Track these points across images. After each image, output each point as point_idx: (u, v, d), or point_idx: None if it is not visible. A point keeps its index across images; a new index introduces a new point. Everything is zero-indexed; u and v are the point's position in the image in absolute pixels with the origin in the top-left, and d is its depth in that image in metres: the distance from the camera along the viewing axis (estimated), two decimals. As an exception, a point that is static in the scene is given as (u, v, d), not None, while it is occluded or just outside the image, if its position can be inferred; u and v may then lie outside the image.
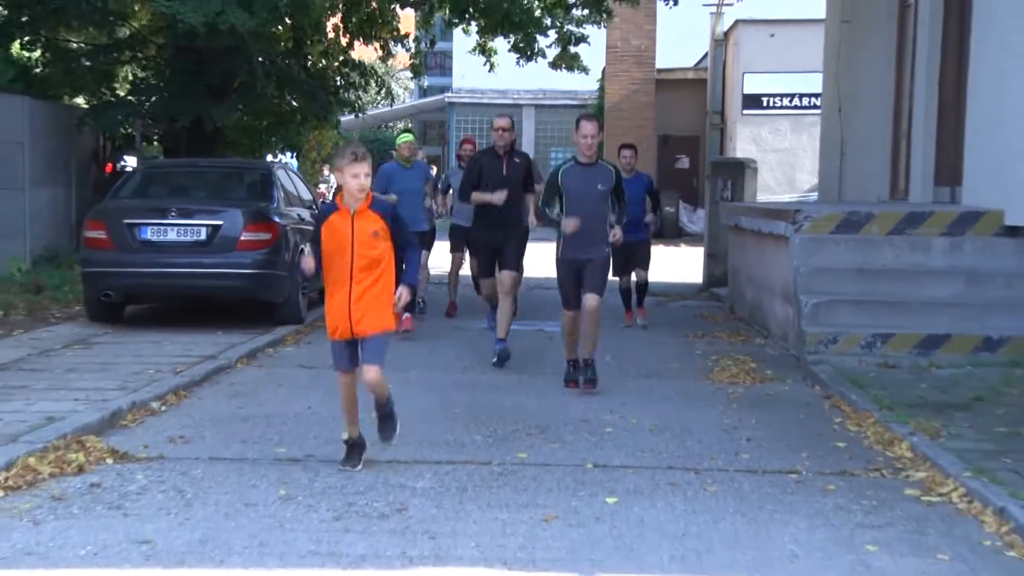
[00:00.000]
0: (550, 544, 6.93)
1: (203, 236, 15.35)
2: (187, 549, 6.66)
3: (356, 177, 7.77)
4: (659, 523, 7.46)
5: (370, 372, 8.16)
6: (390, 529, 7.21)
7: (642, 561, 6.67)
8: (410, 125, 53.37)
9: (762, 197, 24.12)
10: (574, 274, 11.68)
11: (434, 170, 31.06)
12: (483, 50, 24.41)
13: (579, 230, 11.26)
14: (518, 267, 13.57)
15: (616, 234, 11.43)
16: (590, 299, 11.43)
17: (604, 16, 24.38)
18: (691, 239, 33.24)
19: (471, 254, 16.64)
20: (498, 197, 13.12)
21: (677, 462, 9.12)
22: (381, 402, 8.59)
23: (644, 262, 17.41)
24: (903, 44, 19.13)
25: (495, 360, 13.69)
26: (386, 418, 8.63)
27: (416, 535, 7.07)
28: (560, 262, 11.79)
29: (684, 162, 37.78)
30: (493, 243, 13.92)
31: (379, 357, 8.25)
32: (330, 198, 24.30)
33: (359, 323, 8.07)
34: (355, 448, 8.63)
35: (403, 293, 8.30)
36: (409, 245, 8.49)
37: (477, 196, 13.94)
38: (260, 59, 22.50)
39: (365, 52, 27.72)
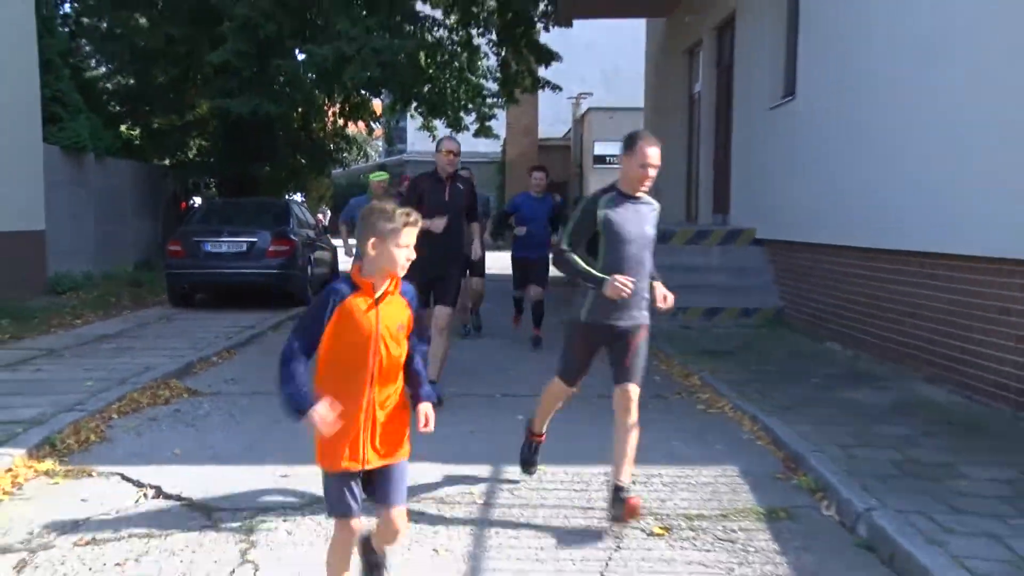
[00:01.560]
0: (477, 449, 7.25)
1: (244, 248, 16.01)
2: (238, 452, 7.14)
3: (405, 248, 4.01)
4: (551, 431, 7.21)
5: (401, 517, 4.24)
6: None
7: (541, 456, 6.72)
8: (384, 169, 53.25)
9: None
10: (598, 345, 6.09)
11: None
12: (427, 127, 25.21)
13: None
14: (454, 303, 9.24)
15: (668, 299, 6.06)
16: (631, 389, 5.91)
17: (510, 102, 25.31)
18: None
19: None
20: (437, 224, 8.73)
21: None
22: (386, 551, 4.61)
23: (542, 279, 12.81)
24: (692, 123, 19.64)
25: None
26: (377, 568, 4.58)
27: None
28: (582, 327, 5.99)
29: (558, 197, 38.63)
30: (429, 275, 8.63)
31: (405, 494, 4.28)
32: (325, 223, 25.14)
33: (385, 448, 4.12)
34: None
35: (427, 415, 4.26)
36: (420, 340, 4.37)
37: None
38: (281, 133, 24.07)
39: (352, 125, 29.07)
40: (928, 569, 4.71)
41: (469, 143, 28.48)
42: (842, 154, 11.49)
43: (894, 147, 10.08)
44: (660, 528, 5.56)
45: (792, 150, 13.29)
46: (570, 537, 5.48)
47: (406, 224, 3.93)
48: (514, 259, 12.97)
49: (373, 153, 57.19)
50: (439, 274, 8.89)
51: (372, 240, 3.89)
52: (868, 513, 5.48)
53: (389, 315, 3.97)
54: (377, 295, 3.94)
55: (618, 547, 5.30)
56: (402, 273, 3.99)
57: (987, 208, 8.32)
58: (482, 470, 6.76)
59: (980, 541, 5.13)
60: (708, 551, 5.24)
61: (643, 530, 5.54)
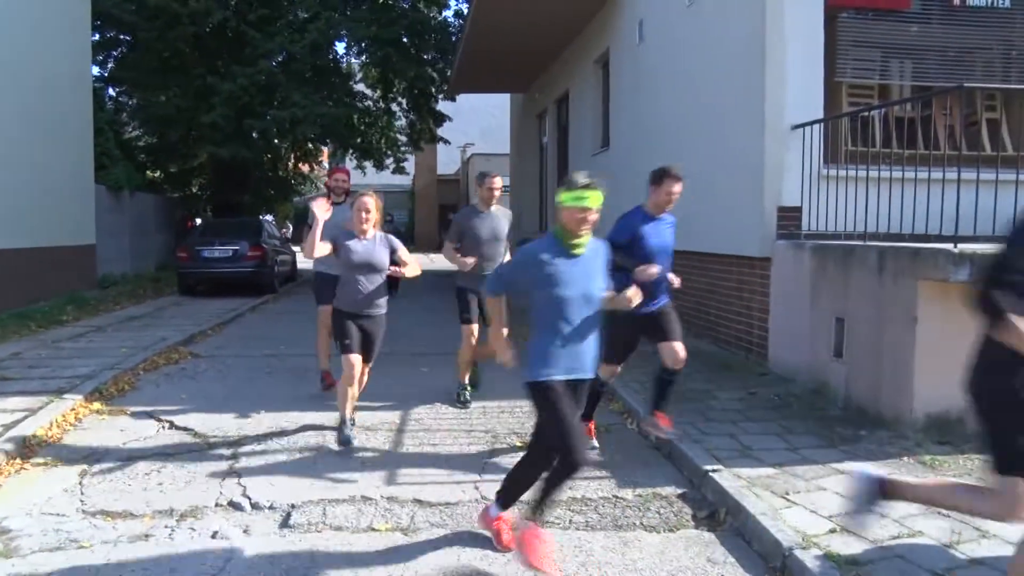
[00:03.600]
0: (393, 391, 7.10)
1: (230, 254, 15.63)
2: (226, 396, 7.05)
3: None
4: (440, 378, 7.73)
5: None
6: (317, 386, 7.31)
7: (435, 396, 6.92)
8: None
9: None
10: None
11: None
12: (360, 167, 25.17)
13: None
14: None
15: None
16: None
17: (417, 149, 25.79)
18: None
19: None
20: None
21: (449, 350, 8.76)
22: None
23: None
24: (542, 164, 19.65)
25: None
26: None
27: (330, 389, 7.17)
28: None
29: (451, 215, 38.81)
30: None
31: None
32: (288, 235, 25.89)
33: None
34: None
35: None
36: None
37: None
38: (257, 173, 23.91)
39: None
40: (690, 457, 4.94)
41: (388, 178, 28.51)
42: (638, 186, 11.67)
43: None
44: (520, 442, 5.62)
45: (610, 183, 13.47)
46: (458, 449, 5.53)
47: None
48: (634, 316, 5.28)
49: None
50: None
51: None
52: (654, 426, 5.63)
53: None
54: None
55: (492, 456, 5.37)
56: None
57: (721, 222, 8.54)
58: (397, 404, 6.75)
59: (723, 439, 5.39)
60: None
61: (509, 444, 5.61)
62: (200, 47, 20.52)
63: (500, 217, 6.72)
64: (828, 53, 7.58)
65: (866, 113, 7.56)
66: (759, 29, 7.58)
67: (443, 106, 24.01)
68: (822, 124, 7.26)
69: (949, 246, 5.14)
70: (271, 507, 4.43)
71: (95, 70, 20.45)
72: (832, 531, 3.85)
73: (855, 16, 7.83)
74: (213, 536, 4.05)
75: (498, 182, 6.80)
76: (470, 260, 6.29)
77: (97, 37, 20.25)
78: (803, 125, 7.21)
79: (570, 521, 4.23)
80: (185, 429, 6.00)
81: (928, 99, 7.61)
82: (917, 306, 5.38)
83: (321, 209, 5.36)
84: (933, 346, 5.35)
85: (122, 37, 21.15)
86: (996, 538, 3.79)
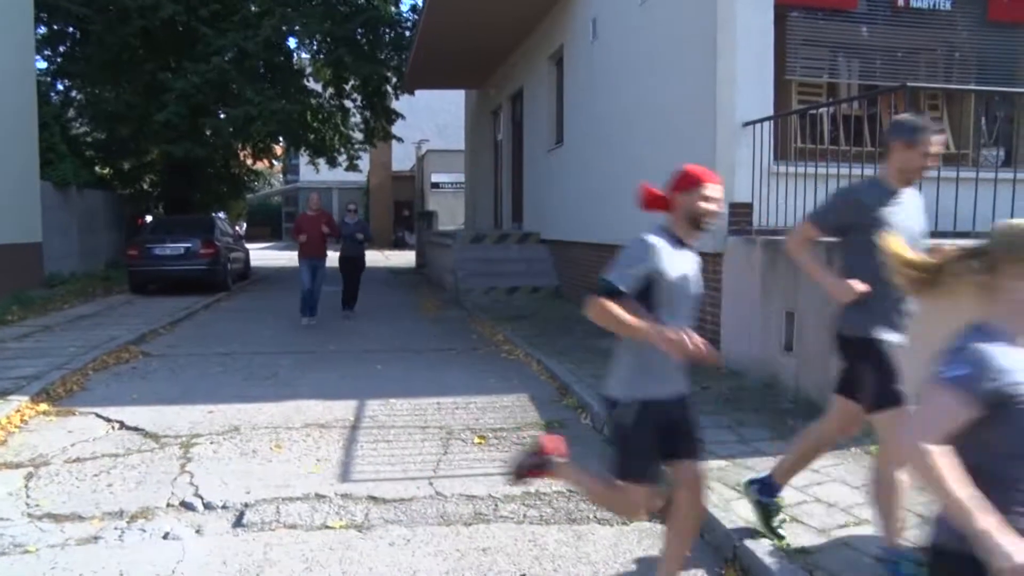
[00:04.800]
0: (346, 388, 7.17)
1: (182, 251, 15.34)
2: (177, 396, 6.92)
3: None
4: (394, 375, 7.77)
5: None
6: (270, 384, 7.41)
7: (389, 392, 6.92)
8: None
9: (441, 227, 24.82)
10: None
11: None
12: (312, 162, 24.94)
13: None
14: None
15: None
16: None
17: (372, 146, 25.31)
18: (409, 247, 33.76)
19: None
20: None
21: (402, 347, 9.29)
22: None
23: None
24: (496, 160, 19.69)
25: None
26: None
27: (283, 386, 7.28)
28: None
29: (406, 213, 38.52)
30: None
31: None
32: (242, 233, 25.31)
33: None
34: None
35: None
36: None
37: None
38: (210, 170, 23.52)
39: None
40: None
41: (342, 175, 28.28)
42: (592, 182, 11.80)
43: (623, 179, 10.38)
44: (478, 438, 5.63)
45: (562, 179, 13.55)
46: (413, 445, 5.50)
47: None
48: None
49: (276, 183, 55.46)
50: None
51: None
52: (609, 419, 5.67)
53: None
54: None
55: (446, 452, 5.35)
56: None
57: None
58: (350, 401, 6.72)
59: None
60: (507, 451, 5.33)
61: (464, 440, 5.60)
62: (150, 42, 20.07)
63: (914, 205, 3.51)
64: (778, 52, 7.69)
65: (815, 111, 7.69)
66: (710, 27, 7.66)
67: (398, 103, 23.82)
68: (772, 121, 7.37)
69: (894, 241, 5.23)
70: (224, 506, 4.37)
71: (42, 64, 20.04)
72: (782, 521, 3.91)
73: (804, 16, 7.95)
74: (164, 537, 3.99)
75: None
76: (860, 285, 3.27)
77: (44, 30, 19.78)
78: (754, 122, 7.30)
79: (524, 515, 4.24)
80: (136, 429, 5.88)
81: (874, 97, 7.76)
82: (864, 300, 5.47)
83: None
84: (879, 339, 5.45)
85: (70, 30, 20.62)
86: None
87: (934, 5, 8.12)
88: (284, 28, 20.03)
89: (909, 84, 5.73)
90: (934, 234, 5.59)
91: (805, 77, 8.06)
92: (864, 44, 8.13)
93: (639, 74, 9.75)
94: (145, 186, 25.07)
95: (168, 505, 4.39)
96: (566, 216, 13.30)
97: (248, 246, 20.24)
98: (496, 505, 4.38)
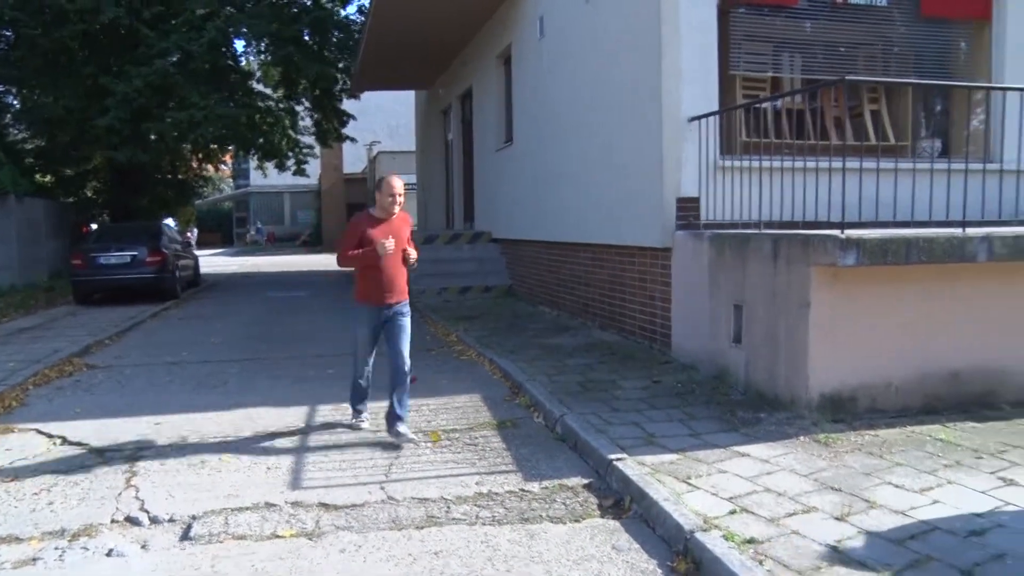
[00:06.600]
0: (297, 395, 7.09)
1: (128, 260, 14.99)
2: (123, 408, 6.76)
3: None
4: (347, 379, 7.69)
5: None
6: (221, 392, 7.29)
7: (341, 397, 6.57)
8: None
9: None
10: None
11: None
12: (261, 167, 24.62)
13: None
14: None
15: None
16: None
17: (323, 147, 25.22)
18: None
19: None
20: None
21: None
22: None
23: None
24: (447, 160, 19.60)
25: None
26: None
27: (233, 394, 7.17)
28: None
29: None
30: None
31: None
32: (193, 240, 25.27)
33: None
34: None
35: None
36: None
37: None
38: (156, 175, 23.27)
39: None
40: (595, 447, 4.99)
41: (293, 178, 28.00)
42: (542, 180, 11.80)
43: (573, 176, 10.41)
44: (431, 440, 5.60)
45: (513, 178, 13.53)
46: (364, 450, 5.46)
47: None
48: None
49: (226, 188, 54.66)
50: None
51: None
52: (562, 418, 5.69)
53: None
54: None
55: (399, 456, 5.32)
56: None
57: (623, 213, 8.66)
58: (301, 407, 6.65)
59: (628, 427, 5.46)
60: (459, 452, 5.33)
61: (417, 442, 5.56)
62: (91, 45, 19.63)
63: None
64: (722, 48, 7.78)
65: (759, 105, 7.79)
66: (655, 24, 7.72)
67: (348, 104, 23.60)
68: (718, 116, 7.45)
69: (837, 232, 5.33)
70: (171, 520, 4.28)
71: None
72: (732, 512, 3.95)
73: (747, 12, 8.04)
74: (108, 554, 3.89)
75: None
76: None
77: (-26, 33, 19.31)
78: (699, 117, 7.38)
79: (477, 516, 4.22)
80: (79, 444, 5.73)
81: (815, 91, 7.88)
82: (809, 291, 5.56)
83: None
84: (825, 329, 5.55)
85: (5, 33, 20.09)
86: (883, 508, 3.96)
87: (870, 1, 8.27)
88: (230, 30, 19.72)
89: (847, 78, 5.82)
90: (873, 224, 5.71)
91: (749, 72, 8.15)
92: (806, 39, 8.26)
93: (587, 72, 9.79)
94: (89, 193, 24.59)
95: (113, 521, 4.28)
96: (517, 215, 13.30)
97: (199, 252, 19.85)
98: (448, 507, 4.35)
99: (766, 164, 6.71)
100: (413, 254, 5.81)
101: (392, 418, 5.60)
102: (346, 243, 5.63)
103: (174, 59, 18.97)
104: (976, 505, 3.99)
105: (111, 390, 7.60)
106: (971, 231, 5.60)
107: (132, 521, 4.27)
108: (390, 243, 5.47)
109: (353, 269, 5.71)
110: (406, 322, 5.75)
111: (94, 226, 22.40)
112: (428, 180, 22.43)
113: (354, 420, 6.06)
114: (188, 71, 19.08)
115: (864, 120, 8.34)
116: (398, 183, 5.62)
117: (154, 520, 4.28)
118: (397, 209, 5.66)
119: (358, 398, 6.03)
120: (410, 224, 5.95)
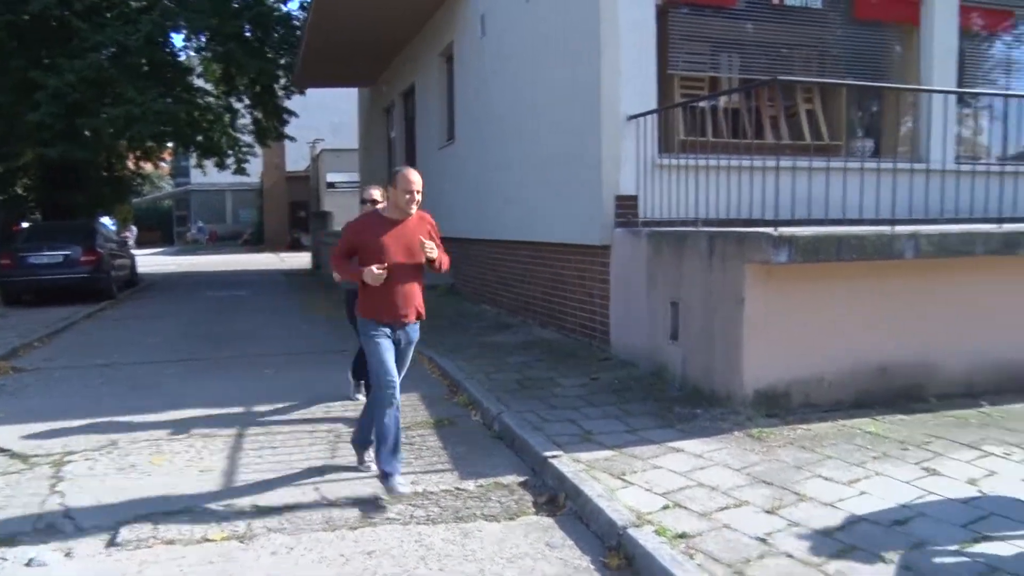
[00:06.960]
0: (234, 395, 6.97)
1: (61, 259, 14.62)
2: (51, 412, 6.56)
3: None
4: (284, 379, 7.62)
5: None
6: (155, 394, 7.13)
7: (278, 397, 6.72)
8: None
9: (337, 228, 24.47)
10: None
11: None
12: (200, 165, 24.12)
13: None
14: None
15: None
16: None
17: (264, 146, 24.93)
18: (305, 249, 33.07)
19: None
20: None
21: (294, 350, 9.15)
22: None
23: None
24: (390, 158, 19.37)
25: None
26: None
27: (168, 396, 7.02)
28: None
29: (302, 214, 37.72)
30: None
31: None
32: (132, 239, 24.62)
33: None
34: None
35: None
36: None
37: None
38: (91, 172, 22.36)
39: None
40: (531, 444, 5.00)
41: (234, 177, 27.58)
42: (485, 178, 11.79)
43: (514, 174, 10.42)
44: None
45: (455, 176, 13.49)
46: (299, 451, 5.38)
47: None
48: None
49: (166, 185, 53.45)
50: None
51: None
52: (500, 416, 5.70)
53: None
54: None
55: (334, 456, 5.26)
56: None
57: (563, 212, 8.72)
58: (238, 408, 6.55)
59: (565, 424, 5.48)
60: (396, 451, 5.27)
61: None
62: (19, 37, 18.94)
63: None
64: (661, 47, 7.86)
65: (697, 104, 7.88)
66: (594, 23, 7.76)
67: (291, 102, 23.26)
68: (656, 115, 7.51)
69: (771, 230, 5.42)
70: (97, 527, 4.16)
71: None
72: (665, 507, 3.99)
73: (685, 12, 8.14)
74: (28, 564, 3.75)
75: None
76: None
77: None
78: (638, 116, 7.44)
79: (411, 516, 4.19)
80: (1, 451, 5.53)
81: (750, 91, 8.00)
82: (744, 288, 5.64)
83: None
84: (759, 326, 5.64)
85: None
86: (813, 500, 4.03)
87: (805, 3, 8.43)
88: (167, 23, 19.27)
89: (779, 78, 5.92)
90: (805, 221, 5.82)
91: (688, 72, 8.24)
92: (744, 40, 8.38)
93: (527, 70, 9.80)
94: (19, 191, 23.85)
95: (35, 529, 4.14)
96: (459, 213, 13.27)
97: (138, 252, 19.41)
98: (383, 507, 4.32)
99: (704, 163, 6.80)
100: (446, 259, 4.86)
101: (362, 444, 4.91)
102: (339, 247, 4.71)
103: (109, 53, 18.48)
104: (901, 495, 4.09)
105: (38, 393, 7.38)
106: (899, 229, 5.74)
107: (55, 529, 4.14)
108: (382, 273, 4.44)
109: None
110: (411, 351, 4.91)
111: (25, 225, 21.74)
112: (371, 178, 22.22)
113: (388, 476, 4.45)
114: (124, 65, 18.56)
115: (799, 120, 8.50)
116: (416, 177, 4.59)
117: (79, 527, 4.16)
118: (415, 208, 4.63)
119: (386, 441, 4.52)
120: (430, 223, 4.86)
